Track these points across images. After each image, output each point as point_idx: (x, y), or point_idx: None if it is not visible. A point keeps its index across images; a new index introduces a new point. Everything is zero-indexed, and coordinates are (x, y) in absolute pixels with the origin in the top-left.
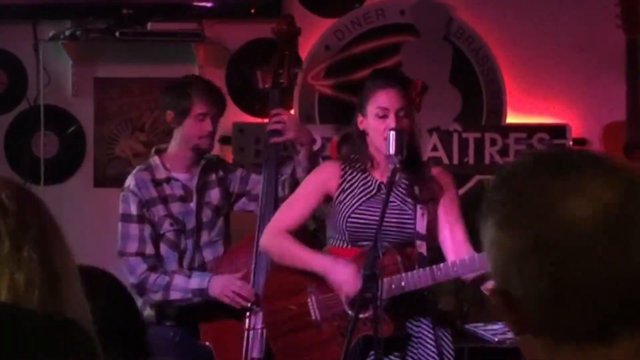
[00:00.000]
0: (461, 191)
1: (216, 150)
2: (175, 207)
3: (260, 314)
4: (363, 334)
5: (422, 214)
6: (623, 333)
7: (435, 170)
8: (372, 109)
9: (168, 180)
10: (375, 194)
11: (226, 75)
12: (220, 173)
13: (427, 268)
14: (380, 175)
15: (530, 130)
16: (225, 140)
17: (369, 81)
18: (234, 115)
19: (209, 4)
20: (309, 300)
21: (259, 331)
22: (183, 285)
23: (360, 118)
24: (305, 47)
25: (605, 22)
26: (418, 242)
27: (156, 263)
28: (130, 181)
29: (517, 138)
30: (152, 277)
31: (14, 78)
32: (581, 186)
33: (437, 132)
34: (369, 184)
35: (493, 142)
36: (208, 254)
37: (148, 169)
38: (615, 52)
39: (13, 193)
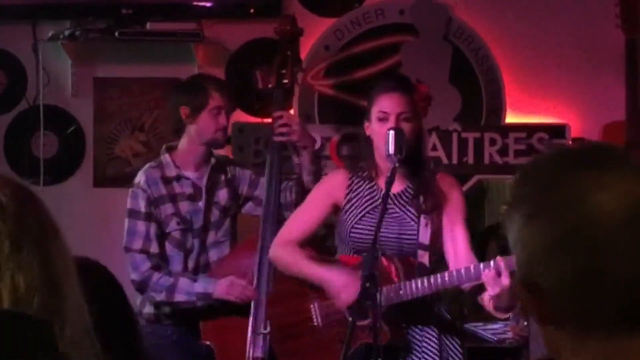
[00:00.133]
0: None
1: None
2: (184, 206)
3: (262, 313)
4: (361, 341)
5: (426, 224)
6: None
7: (441, 178)
8: (374, 113)
9: (178, 178)
10: (381, 203)
11: (225, 75)
12: (230, 174)
13: (425, 277)
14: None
15: (529, 130)
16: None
17: (373, 86)
18: (233, 115)
19: (208, 4)
20: (312, 306)
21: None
22: (188, 288)
23: (366, 124)
24: (305, 47)
25: (604, 22)
26: (420, 252)
27: (160, 262)
28: (140, 177)
29: (517, 138)
30: (156, 276)
31: (13, 78)
32: (609, 180)
33: (436, 132)
34: (375, 193)
35: (492, 142)
36: (213, 255)
37: (159, 167)
38: (614, 51)
39: (12, 193)
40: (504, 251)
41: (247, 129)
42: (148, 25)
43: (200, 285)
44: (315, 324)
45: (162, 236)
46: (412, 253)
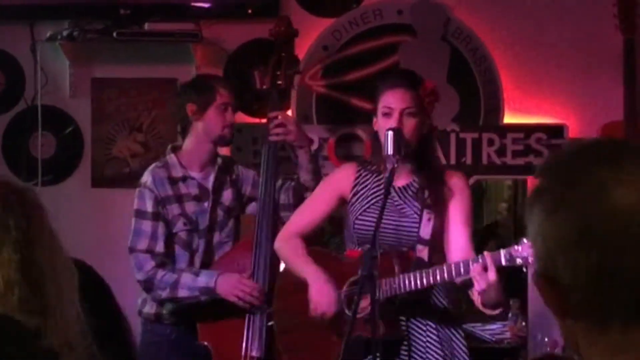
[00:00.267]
0: None
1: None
2: (190, 206)
3: (258, 312)
4: (356, 334)
5: (429, 219)
6: None
7: (449, 175)
8: (380, 109)
9: (184, 178)
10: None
11: (224, 76)
12: (235, 174)
13: (417, 272)
14: (394, 180)
15: (527, 130)
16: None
17: (379, 82)
18: None
19: (206, 5)
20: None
21: (259, 330)
22: (191, 283)
23: (374, 120)
24: (303, 48)
25: (603, 22)
26: (419, 247)
27: (164, 260)
28: (147, 178)
29: (515, 138)
30: (160, 274)
31: (11, 78)
32: (628, 175)
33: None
34: (381, 187)
35: (490, 142)
36: (218, 255)
37: (164, 167)
38: (612, 52)
39: None
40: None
41: (245, 129)
42: (146, 26)
43: (203, 280)
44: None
45: (169, 236)
46: (411, 247)
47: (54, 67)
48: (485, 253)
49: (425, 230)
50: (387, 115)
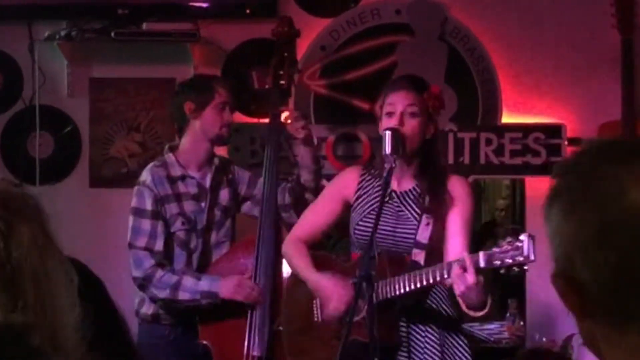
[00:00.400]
0: None
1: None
2: (189, 206)
3: (260, 312)
4: (352, 337)
5: (427, 224)
6: None
7: (452, 181)
8: (383, 110)
9: (183, 177)
10: (387, 201)
11: (221, 76)
12: (231, 174)
13: (405, 275)
14: (395, 184)
15: (525, 130)
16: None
17: (385, 86)
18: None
19: (204, 4)
20: (315, 301)
21: (261, 329)
22: (192, 286)
23: (379, 122)
24: (301, 47)
25: (600, 22)
26: (415, 251)
27: (163, 260)
28: (146, 176)
29: (513, 138)
30: (159, 273)
31: (9, 78)
32: None
33: None
34: (392, 176)
35: (488, 142)
36: (216, 255)
37: (163, 166)
38: (610, 51)
39: None
40: None
41: (243, 129)
42: (144, 26)
43: (205, 284)
44: (316, 319)
45: (167, 235)
46: (407, 251)
47: (52, 67)
48: (465, 255)
49: (423, 235)
50: (389, 115)
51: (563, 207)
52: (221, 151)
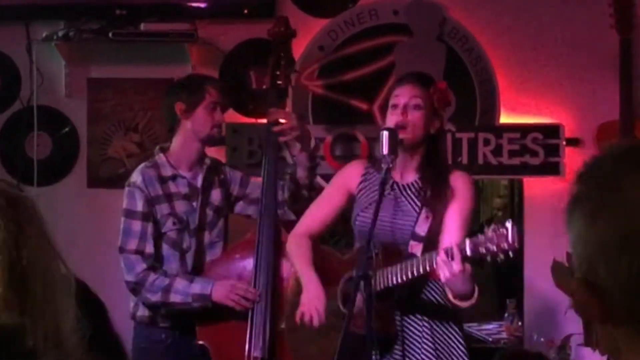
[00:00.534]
0: None
1: (209, 151)
2: (180, 206)
3: (261, 313)
4: (351, 330)
5: (427, 217)
6: None
7: (455, 176)
8: (389, 103)
9: (174, 177)
10: (389, 193)
11: (219, 76)
12: (222, 175)
13: (397, 265)
14: (398, 176)
15: (523, 130)
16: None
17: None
18: (227, 115)
19: (202, 5)
20: None
21: (262, 330)
22: (184, 288)
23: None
24: (299, 48)
25: (599, 22)
26: (413, 243)
27: (155, 263)
28: (137, 177)
29: (511, 138)
30: (151, 277)
31: (7, 79)
32: None
33: None
34: (389, 176)
35: (486, 142)
36: (208, 256)
37: (154, 166)
38: (608, 51)
39: None
40: None
41: (241, 129)
42: (142, 26)
43: (197, 286)
44: None
45: (158, 236)
46: (405, 242)
47: (50, 67)
48: (453, 243)
49: (422, 227)
50: (394, 107)
51: (585, 213)
52: (219, 152)
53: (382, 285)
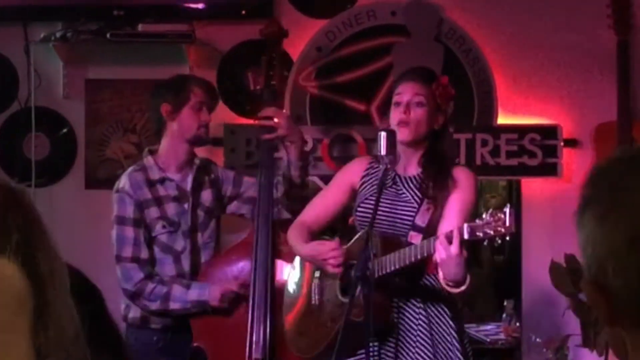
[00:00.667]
0: None
1: (207, 151)
2: (171, 208)
3: (260, 313)
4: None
5: (427, 209)
6: None
7: (457, 171)
8: (392, 101)
9: (162, 180)
10: (391, 185)
11: (217, 77)
12: (213, 175)
13: (395, 252)
14: (401, 169)
15: (521, 131)
16: (216, 142)
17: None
18: (225, 116)
19: (199, 6)
20: (313, 285)
21: (262, 331)
22: (182, 296)
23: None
24: (297, 48)
25: (596, 23)
26: (412, 233)
27: (152, 270)
28: (124, 182)
29: (509, 139)
30: (150, 286)
31: (4, 80)
32: None
33: None
34: (388, 177)
35: (484, 143)
36: (203, 257)
37: (142, 170)
38: (606, 52)
39: None
40: (495, 247)
41: (238, 130)
42: (139, 27)
43: (194, 292)
44: (313, 302)
45: (149, 240)
46: (405, 233)
47: (48, 68)
48: (454, 227)
49: (422, 218)
50: (397, 104)
51: (595, 215)
52: (216, 153)
53: (381, 273)
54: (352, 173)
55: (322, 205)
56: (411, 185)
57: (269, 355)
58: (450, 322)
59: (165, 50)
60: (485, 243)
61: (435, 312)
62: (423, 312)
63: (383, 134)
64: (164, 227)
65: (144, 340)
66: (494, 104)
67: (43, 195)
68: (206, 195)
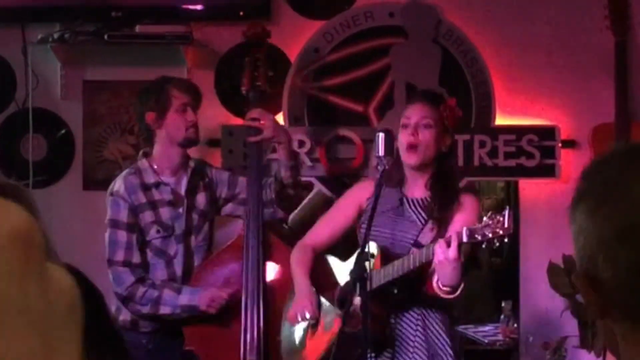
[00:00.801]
0: None
1: (205, 153)
2: (165, 212)
3: (252, 315)
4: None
5: (432, 229)
6: None
7: (463, 195)
8: (400, 123)
9: (157, 185)
10: (398, 207)
11: (215, 78)
12: (207, 177)
13: (395, 261)
14: (408, 191)
15: (519, 132)
16: (213, 143)
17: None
18: (222, 117)
19: (197, 7)
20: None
21: (256, 334)
22: (172, 300)
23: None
24: (294, 50)
25: (594, 24)
26: (414, 250)
27: (144, 274)
28: (119, 186)
29: (506, 140)
30: (141, 290)
31: (2, 81)
32: None
33: None
34: (394, 197)
35: (482, 144)
36: (197, 260)
37: (136, 173)
38: (604, 53)
39: None
40: (493, 249)
41: (236, 131)
42: (137, 28)
43: (185, 297)
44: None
45: (143, 244)
46: (406, 251)
47: (45, 70)
48: (453, 231)
49: (425, 238)
50: (404, 126)
51: (588, 207)
52: (214, 154)
53: (381, 282)
54: (360, 194)
55: (329, 227)
56: (417, 207)
57: (263, 357)
58: (446, 338)
59: (163, 51)
60: (483, 246)
61: (433, 325)
62: (420, 324)
63: (381, 135)
64: (158, 231)
65: (134, 343)
66: (492, 105)
67: (41, 196)
68: (201, 199)
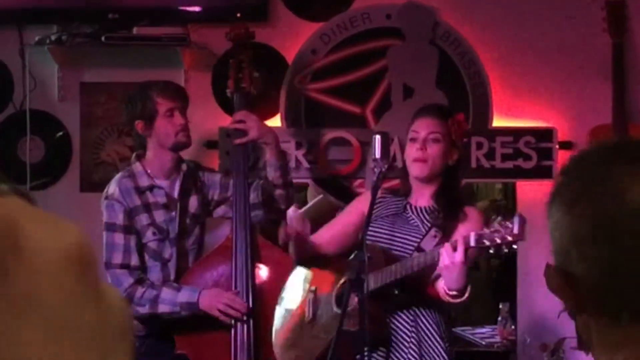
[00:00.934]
0: None
1: (203, 154)
2: (159, 215)
3: (246, 321)
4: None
5: (435, 236)
6: None
7: (468, 209)
8: (408, 135)
9: (151, 188)
10: (402, 212)
11: (212, 79)
12: (200, 180)
13: (397, 263)
14: (413, 200)
15: (516, 133)
16: (211, 145)
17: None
18: (220, 119)
19: (195, 9)
20: (307, 299)
21: (246, 339)
22: (171, 298)
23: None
24: (292, 51)
25: (591, 25)
26: (415, 254)
27: (142, 275)
28: (114, 189)
29: (504, 142)
30: (139, 290)
31: None
32: None
33: None
34: (399, 204)
35: (479, 146)
36: (189, 263)
37: (130, 176)
38: (601, 55)
39: None
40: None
41: (233, 133)
42: (134, 30)
43: (185, 295)
44: (307, 315)
45: (139, 247)
46: (409, 254)
47: (43, 71)
48: (459, 236)
49: (428, 244)
50: (413, 140)
51: (563, 202)
52: (211, 155)
53: (381, 282)
54: (365, 202)
55: (334, 230)
56: (421, 214)
57: (254, 358)
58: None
59: (160, 53)
60: (491, 251)
61: (426, 325)
62: (413, 324)
63: (377, 137)
64: (154, 234)
65: None
66: (489, 106)
67: (38, 198)
68: (192, 202)
